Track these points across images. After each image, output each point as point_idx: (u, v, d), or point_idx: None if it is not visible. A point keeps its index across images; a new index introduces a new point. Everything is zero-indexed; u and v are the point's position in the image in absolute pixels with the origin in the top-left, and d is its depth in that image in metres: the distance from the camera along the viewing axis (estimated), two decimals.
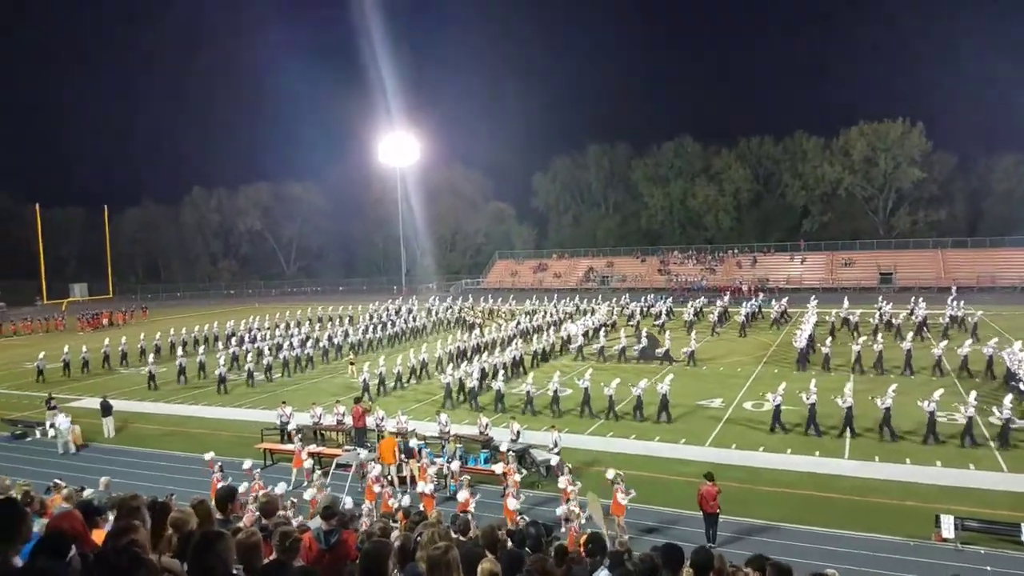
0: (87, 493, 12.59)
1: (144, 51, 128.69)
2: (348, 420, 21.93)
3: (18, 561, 3.50)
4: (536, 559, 5.05)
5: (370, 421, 21.47)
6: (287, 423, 22.21)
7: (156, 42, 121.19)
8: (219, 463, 17.40)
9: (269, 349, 36.58)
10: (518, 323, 41.89)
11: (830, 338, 32.78)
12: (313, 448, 20.51)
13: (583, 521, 13.66)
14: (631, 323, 43.45)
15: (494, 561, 4.82)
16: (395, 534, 7.23)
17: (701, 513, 14.97)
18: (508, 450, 18.08)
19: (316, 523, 6.25)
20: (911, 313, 39.64)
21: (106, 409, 24.99)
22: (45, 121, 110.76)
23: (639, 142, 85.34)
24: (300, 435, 20.59)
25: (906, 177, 70.75)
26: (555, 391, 25.20)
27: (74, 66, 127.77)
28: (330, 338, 39.95)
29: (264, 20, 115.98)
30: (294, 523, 7.65)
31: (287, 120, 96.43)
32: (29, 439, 24.88)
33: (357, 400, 22.87)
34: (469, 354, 33.84)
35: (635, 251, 75.10)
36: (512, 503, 14.61)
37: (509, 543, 6.69)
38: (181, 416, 27.29)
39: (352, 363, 33.74)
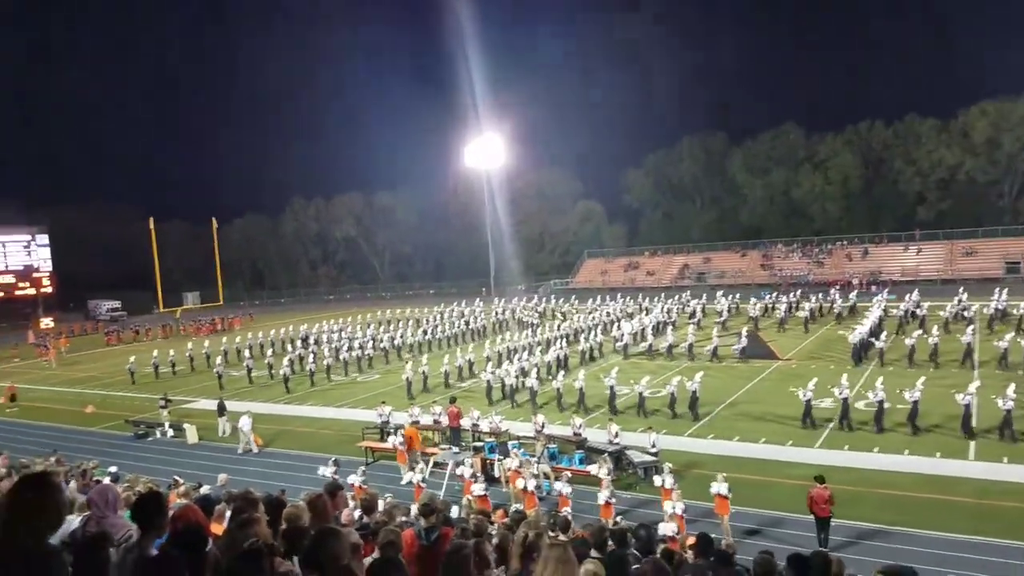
0: (204, 489, 13.33)
1: (245, 73, 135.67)
2: (444, 420, 22.26)
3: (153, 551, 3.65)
4: (650, 561, 4.88)
5: (465, 421, 21.77)
6: (386, 422, 22.82)
7: (255, 63, 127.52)
8: (333, 458, 18.44)
9: (330, 351, 37.88)
10: (571, 323, 42.00)
11: (884, 333, 31.70)
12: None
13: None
14: (692, 321, 42.55)
15: (597, 563, 4.68)
16: (492, 531, 7.20)
17: (812, 516, 14.36)
18: (604, 453, 17.96)
19: (416, 519, 6.29)
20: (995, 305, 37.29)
21: (221, 409, 26.41)
22: (159, 140, 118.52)
23: (736, 131, 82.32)
24: (399, 432, 21.12)
25: None
26: (580, 389, 25.51)
27: (184, 90, 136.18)
28: (391, 339, 41.22)
29: (355, 35, 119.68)
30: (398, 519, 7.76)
31: (378, 130, 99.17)
32: (150, 439, 26.47)
33: (453, 400, 23.22)
34: (517, 353, 33.90)
35: (734, 246, 72.74)
36: (601, 497, 14.96)
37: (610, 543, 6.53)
38: (287, 416, 28.40)
39: (412, 363, 34.22)
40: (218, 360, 36.15)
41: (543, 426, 20.61)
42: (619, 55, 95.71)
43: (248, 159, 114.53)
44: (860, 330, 31.90)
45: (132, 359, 38.65)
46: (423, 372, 30.55)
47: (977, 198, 69.86)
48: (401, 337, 42.02)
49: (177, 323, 63.57)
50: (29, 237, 74.29)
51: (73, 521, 4.37)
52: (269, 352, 37.80)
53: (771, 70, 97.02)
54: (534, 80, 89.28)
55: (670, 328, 38.58)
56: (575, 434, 20.31)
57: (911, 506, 15.84)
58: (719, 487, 14.68)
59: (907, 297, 40.54)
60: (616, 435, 19.76)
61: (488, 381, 27.87)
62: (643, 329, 38.19)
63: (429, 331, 43.52)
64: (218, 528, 5.08)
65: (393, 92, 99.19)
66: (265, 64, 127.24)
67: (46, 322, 68.25)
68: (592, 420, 23.67)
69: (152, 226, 66.86)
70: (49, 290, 75.34)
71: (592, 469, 17.01)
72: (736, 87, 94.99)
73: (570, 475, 16.71)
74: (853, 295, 45.85)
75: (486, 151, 70.83)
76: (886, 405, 21.03)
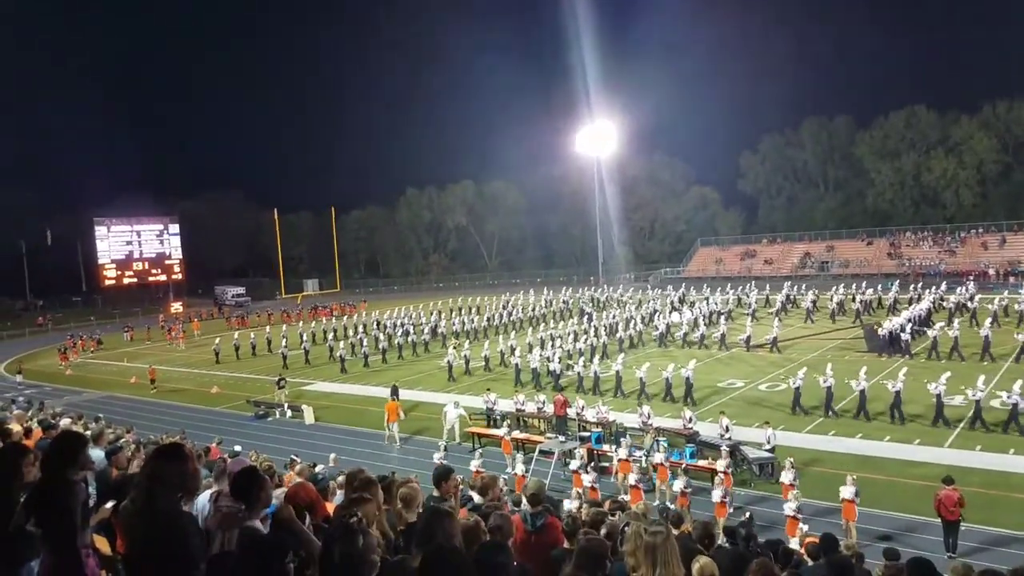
0: (318, 469, 13.95)
1: (363, 68, 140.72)
2: (549, 408, 22.33)
3: (259, 524, 3.83)
4: (761, 562, 4.69)
5: (570, 411, 21.76)
6: (492, 408, 23.18)
7: (372, 63, 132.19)
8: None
9: (385, 335, 40.20)
10: (622, 311, 42.72)
11: (908, 325, 30.78)
12: (517, 434, 21.19)
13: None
14: (747, 313, 41.67)
15: (709, 560, 4.54)
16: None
17: (939, 520, 13.51)
18: (721, 447, 17.43)
19: (523, 506, 6.32)
20: None
21: (395, 393, 26.32)
22: (285, 137, 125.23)
23: (863, 113, 77.69)
24: (508, 422, 21.36)
25: None
26: (595, 374, 26.89)
27: (310, 91, 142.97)
28: (450, 326, 43.26)
29: (468, 27, 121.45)
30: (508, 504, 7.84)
31: (490, 119, 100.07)
32: (270, 419, 27.79)
33: (560, 389, 23.28)
34: (554, 340, 34.52)
35: (860, 233, 68.61)
36: (716, 494, 14.65)
37: (725, 541, 6.34)
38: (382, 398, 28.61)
39: (455, 348, 34.71)
40: (283, 342, 39.08)
41: (649, 416, 20.35)
42: (733, 34, 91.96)
43: (367, 152, 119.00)
44: (892, 321, 31.55)
45: (217, 340, 41.43)
46: (464, 356, 32.36)
47: None
48: (460, 323, 43.60)
49: (298, 308, 66.56)
50: (162, 226, 78.47)
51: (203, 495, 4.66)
52: (329, 336, 41.89)
53: (899, 47, 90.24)
54: (644, 64, 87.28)
55: (703, 320, 38.14)
56: (685, 427, 19.86)
57: None
58: (847, 491, 14.00)
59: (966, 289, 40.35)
60: (728, 428, 19.20)
61: (516, 365, 29.60)
62: (677, 323, 38.32)
63: (494, 318, 45.29)
64: (331, 507, 5.29)
65: (505, 80, 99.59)
66: (382, 63, 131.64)
67: (176, 307, 72.32)
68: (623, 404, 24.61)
69: (276, 216, 70.47)
70: (179, 276, 79.72)
71: (719, 465, 16.38)
72: (861, 67, 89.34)
73: (686, 468, 16.45)
74: (894, 287, 43.67)
75: (597, 138, 70.16)
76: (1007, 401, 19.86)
